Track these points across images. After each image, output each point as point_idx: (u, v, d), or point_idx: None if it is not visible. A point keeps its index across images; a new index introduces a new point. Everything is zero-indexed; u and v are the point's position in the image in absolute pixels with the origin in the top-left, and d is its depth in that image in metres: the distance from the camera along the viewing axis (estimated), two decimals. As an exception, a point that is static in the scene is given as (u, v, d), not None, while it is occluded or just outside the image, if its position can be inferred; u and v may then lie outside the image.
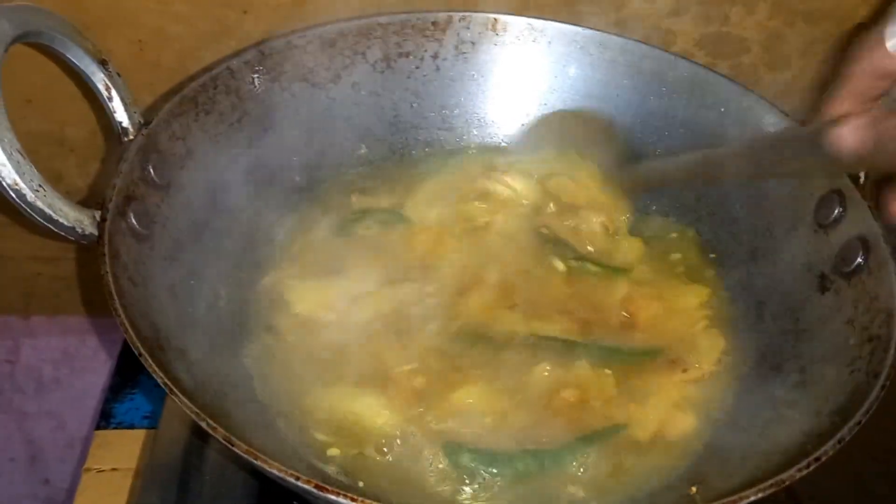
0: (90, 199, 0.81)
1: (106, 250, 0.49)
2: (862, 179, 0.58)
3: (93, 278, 0.95)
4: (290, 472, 0.39)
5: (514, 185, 0.71)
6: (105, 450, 0.83)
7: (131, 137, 0.57)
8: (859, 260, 0.55)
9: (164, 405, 0.67)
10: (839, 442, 0.42)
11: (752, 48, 0.86)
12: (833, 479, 0.59)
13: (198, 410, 0.41)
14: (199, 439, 0.64)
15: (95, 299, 0.98)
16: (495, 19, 0.72)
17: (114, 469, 0.82)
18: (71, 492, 1.02)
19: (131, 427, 0.85)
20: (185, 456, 0.63)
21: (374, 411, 0.56)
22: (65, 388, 1.03)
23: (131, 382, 0.90)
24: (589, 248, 0.68)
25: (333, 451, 0.54)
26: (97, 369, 1.02)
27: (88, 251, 0.88)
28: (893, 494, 0.63)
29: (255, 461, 0.40)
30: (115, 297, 0.46)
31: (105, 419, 0.85)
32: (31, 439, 1.07)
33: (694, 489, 0.51)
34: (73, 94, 0.79)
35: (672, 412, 0.57)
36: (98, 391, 1.01)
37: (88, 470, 0.81)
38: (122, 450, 0.83)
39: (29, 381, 1.02)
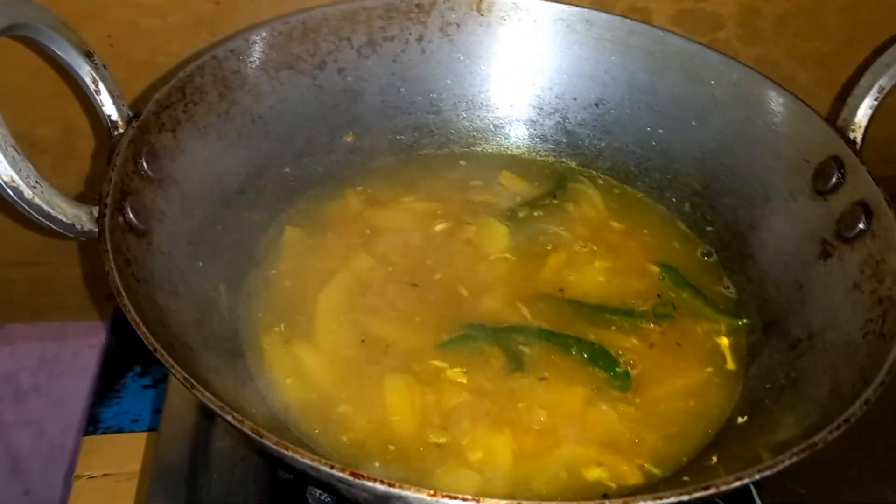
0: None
1: (108, 246, 0.48)
2: (859, 145, 0.59)
3: (71, 281, 0.92)
4: (325, 461, 0.38)
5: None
6: (94, 455, 0.82)
7: (121, 131, 0.55)
8: (861, 225, 0.55)
9: (164, 406, 0.65)
10: (866, 403, 0.43)
11: (727, 23, 0.86)
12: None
13: (223, 405, 0.40)
14: (205, 438, 0.63)
15: (74, 303, 0.95)
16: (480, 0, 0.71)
17: (105, 475, 0.80)
18: (54, 501, 1.00)
19: (120, 431, 0.84)
20: (191, 456, 0.61)
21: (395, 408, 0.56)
22: (44, 396, 1.01)
23: (117, 386, 0.88)
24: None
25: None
26: (76, 374, 1.00)
27: (65, 255, 0.87)
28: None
29: (285, 452, 0.39)
30: (123, 294, 0.45)
31: (92, 424, 0.84)
32: (11, 449, 1.04)
33: (715, 458, 0.52)
34: (44, 94, 0.77)
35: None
36: (78, 397, 0.99)
37: (79, 477, 0.80)
38: (113, 455, 0.82)
39: (7, 389, 0.99)
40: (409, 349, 0.59)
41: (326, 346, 0.59)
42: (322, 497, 0.58)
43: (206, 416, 0.63)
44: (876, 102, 0.59)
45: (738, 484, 0.39)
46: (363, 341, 0.59)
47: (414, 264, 0.65)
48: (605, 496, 0.50)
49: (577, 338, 0.60)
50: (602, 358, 0.59)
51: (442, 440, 0.54)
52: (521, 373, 0.58)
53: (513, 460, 0.53)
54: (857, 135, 0.59)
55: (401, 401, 0.56)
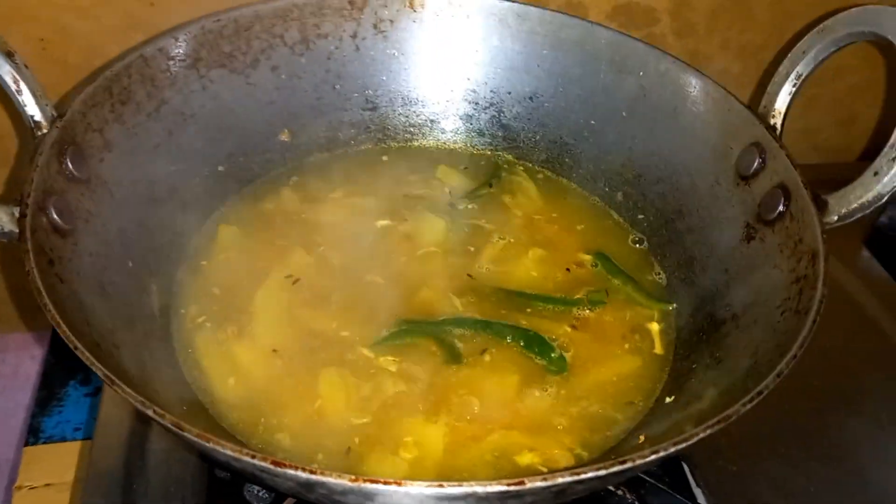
0: None
1: (29, 246, 0.47)
2: (779, 130, 0.60)
3: (9, 293, 0.91)
4: (245, 451, 0.38)
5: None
6: (36, 465, 0.80)
7: (45, 131, 0.55)
8: (781, 207, 0.57)
9: (99, 412, 0.65)
10: (778, 375, 0.44)
11: (662, 18, 0.88)
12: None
13: (143, 399, 0.40)
14: (140, 442, 0.62)
15: (12, 314, 0.94)
16: (413, -4, 0.72)
17: (47, 485, 0.79)
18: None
19: (63, 440, 0.83)
20: (126, 460, 0.61)
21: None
22: (-15, 409, 0.98)
23: (58, 395, 0.87)
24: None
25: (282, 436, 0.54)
26: (19, 387, 0.98)
27: (3, 264, 0.85)
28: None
29: (206, 444, 0.39)
30: (44, 294, 0.44)
31: (33, 435, 0.82)
32: (-48, 466, 1.01)
33: (642, 438, 0.53)
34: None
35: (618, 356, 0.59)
36: (21, 410, 0.97)
37: (20, 488, 0.79)
38: (55, 464, 0.81)
39: (-54, 404, 0.97)
40: (345, 344, 0.59)
41: (262, 342, 0.59)
42: (260, 494, 0.58)
43: (141, 416, 0.62)
44: (794, 89, 0.60)
45: (654, 457, 0.39)
46: (299, 337, 0.59)
47: (350, 260, 0.65)
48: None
49: (512, 325, 0.61)
50: (537, 344, 0.60)
51: (375, 431, 0.54)
52: (455, 364, 0.58)
53: (445, 448, 0.53)
54: (777, 121, 0.60)
55: (335, 393, 0.56)
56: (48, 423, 0.84)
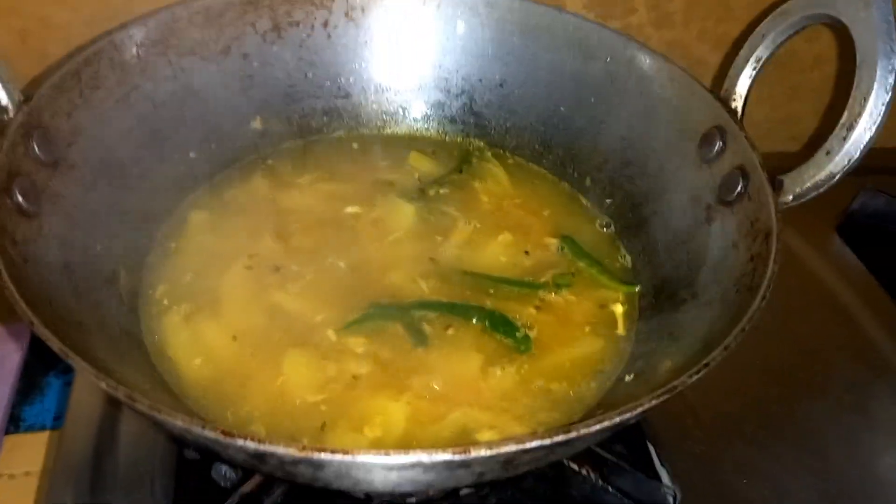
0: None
1: (-10, 226, 0.48)
2: (740, 113, 0.61)
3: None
4: (196, 421, 0.39)
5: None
6: (16, 454, 0.81)
7: (11, 115, 0.55)
8: (739, 188, 0.58)
9: (70, 397, 0.65)
10: (725, 349, 0.45)
11: (639, 8, 0.89)
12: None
13: (96, 372, 0.41)
14: (110, 424, 0.63)
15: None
16: (383, -17, 0.73)
17: (27, 473, 0.80)
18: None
19: (43, 429, 0.83)
20: (96, 444, 0.62)
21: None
22: (-31, 402, 0.98)
23: (39, 385, 0.87)
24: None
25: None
26: (3, 379, 0.98)
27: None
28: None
29: (157, 415, 0.39)
30: (3, 271, 0.45)
31: (14, 423, 0.83)
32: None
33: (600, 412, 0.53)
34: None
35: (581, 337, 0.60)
36: (3, 402, 0.97)
37: (0, 476, 0.79)
38: (35, 452, 0.81)
39: (-73, 396, 0.97)
40: (313, 326, 0.60)
41: (230, 325, 0.60)
42: (227, 474, 0.58)
43: (111, 401, 0.63)
44: (755, 72, 0.61)
45: (598, 427, 0.40)
46: (267, 320, 0.60)
47: (320, 245, 0.66)
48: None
49: (478, 307, 0.62)
50: (502, 324, 0.61)
51: (339, 410, 0.54)
52: (422, 346, 0.59)
53: (406, 426, 0.54)
54: (738, 104, 0.61)
55: (300, 374, 0.57)
56: (29, 412, 0.84)
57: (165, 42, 0.66)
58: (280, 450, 0.39)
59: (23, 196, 0.52)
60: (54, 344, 0.42)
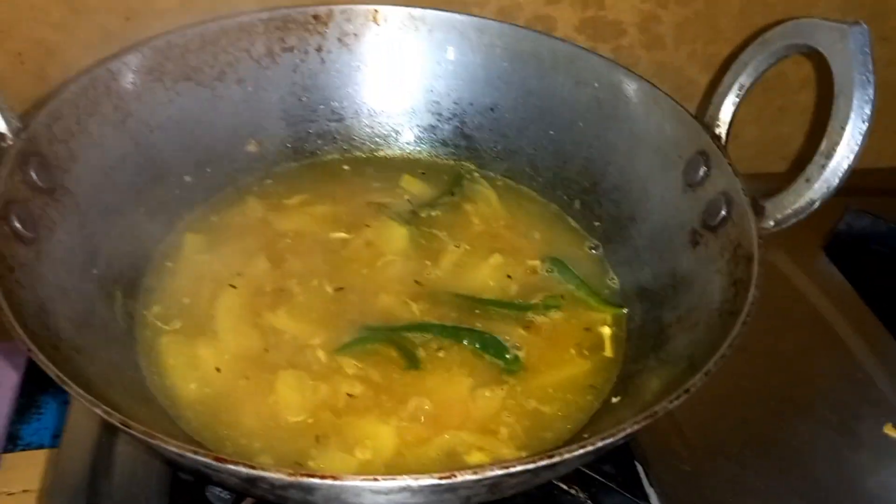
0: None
1: (-12, 253, 0.49)
2: (724, 139, 0.62)
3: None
4: (188, 447, 0.40)
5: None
6: (13, 472, 0.81)
7: (10, 143, 0.56)
8: (723, 213, 0.59)
9: (66, 418, 0.66)
10: (706, 374, 0.46)
11: (629, 30, 0.90)
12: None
13: (93, 399, 0.42)
14: (107, 446, 0.63)
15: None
16: (376, 10, 0.74)
17: (25, 491, 0.80)
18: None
19: (40, 447, 0.84)
20: (92, 465, 0.62)
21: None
22: (-34, 419, 0.99)
23: (37, 402, 0.88)
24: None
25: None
26: (2, 396, 0.99)
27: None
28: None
29: (151, 441, 0.40)
30: (2, 298, 0.46)
31: (11, 442, 0.84)
32: (-71, 477, 1.02)
33: (587, 436, 0.54)
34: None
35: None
36: (3, 419, 0.98)
37: (-2, 494, 0.80)
38: (33, 471, 0.82)
39: (-74, 414, 0.98)
40: (306, 348, 0.61)
41: (224, 347, 0.61)
42: (221, 495, 0.59)
43: (107, 422, 0.64)
44: (738, 99, 0.62)
45: (581, 451, 0.41)
46: (261, 342, 0.61)
47: (314, 267, 0.67)
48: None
49: (468, 328, 0.63)
50: (493, 346, 0.62)
51: (328, 431, 0.55)
52: (415, 369, 0.60)
53: (395, 447, 0.55)
54: (722, 130, 0.62)
55: (292, 395, 0.57)
56: (26, 431, 0.85)
57: (161, 68, 0.67)
58: (270, 474, 0.40)
59: (20, 222, 0.54)
60: (51, 371, 0.43)
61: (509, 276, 0.68)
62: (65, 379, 0.43)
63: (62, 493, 0.60)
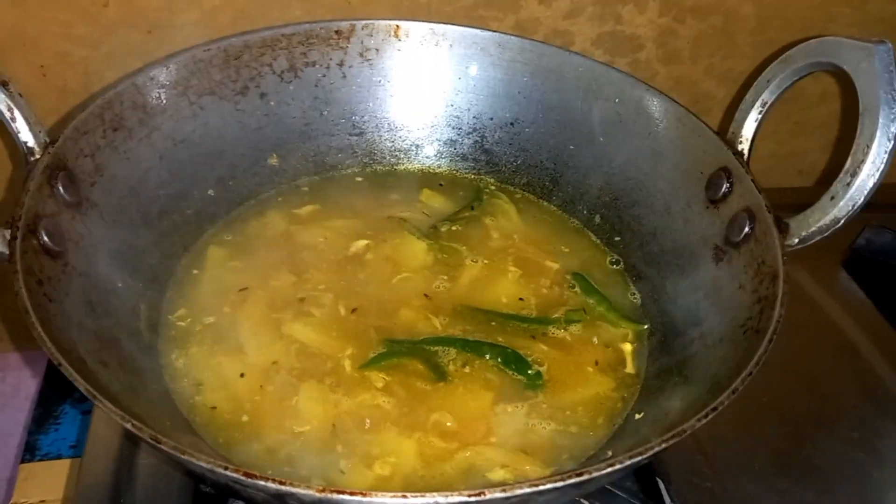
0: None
1: (18, 267, 0.49)
2: (746, 156, 0.62)
3: (8, 312, 0.93)
4: (219, 462, 0.40)
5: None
6: (31, 482, 0.82)
7: (37, 157, 0.57)
8: (747, 230, 0.59)
9: (89, 430, 0.66)
10: (733, 392, 0.46)
11: (647, 45, 0.91)
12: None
13: (122, 413, 0.42)
14: (129, 458, 0.64)
15: (13, 333, 0.96)
16: (397, 26, 0.75)
17: (42, 501, 0.81)
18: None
19: (58, 457, 0.84)
20: (115, 477, 0.63)
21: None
22: (-15, 428, 1.00)
23: (55, 413, 0.89)
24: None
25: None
26: (18, 406, 0.99)
27: (1, 285, 0.87)
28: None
29: (182, 456, 0.41)
30: (31, 313, 0.47)
31: (30, 452, 0.84)
32: (-50, 485, 1.02)
33: (610, 453, 0.54)
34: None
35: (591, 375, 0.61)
36: (21, 429, 0.98)
37: (16, 504, 0.80)
38: (50, 481, 0.82)
39: (-54, 423, 0.99)
40: (328, 360, 0.61)
41: (247, 360, 0.61)
42: (243, 508, 0.59)
43: (129, 434, 0.64)
44: (760, 116, 0.62)
45: (609, 470, 0.41)
46: (284, 355, 0.61)
47: (335, 279, 0.67)
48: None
49: (491, 343, 0.63)
50: (515, 361, 0.62)
51: (350, 446, 0.55)
52: (442, 382, 0.60)
53: (418, 463, 0.55)
54: (745, 146, 0.62)
55: (315, 407, 0.58)
56: (44, 441, 0.86)
57: (186, 83, 0.68)
58: (300, 490, 0.40)
59: (48, 236, 0.54)
60: (81, 385, 0.43)
61: (529, 291, 0.68)
62: (95, 394, 0.43)
63: (87, 501, 0.61)
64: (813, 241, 0.55)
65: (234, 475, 0.40)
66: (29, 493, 0.81)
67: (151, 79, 0.66)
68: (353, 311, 0.65)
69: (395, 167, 0.79)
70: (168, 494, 0.61)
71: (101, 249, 0.60)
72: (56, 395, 0.91)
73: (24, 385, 1.00)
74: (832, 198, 0.54)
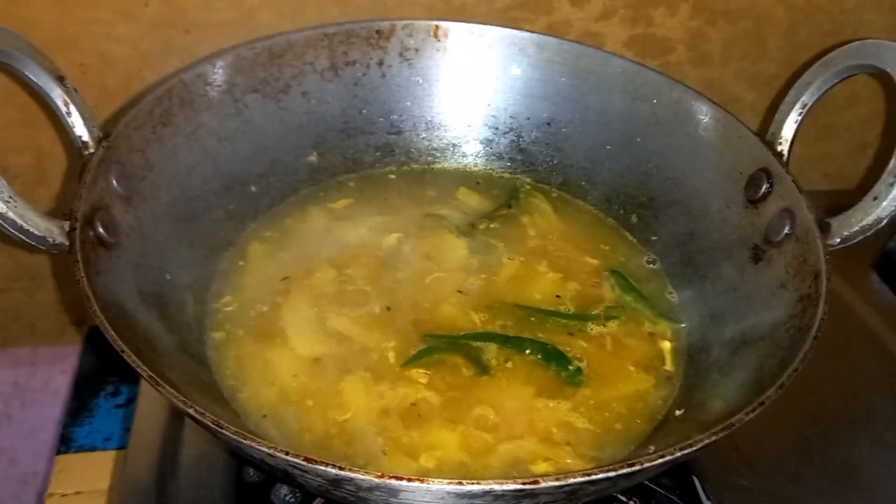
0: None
1: (79, 257, 0.50)
2: (785, 156, 0.63)
3: (42, 307, 0.94)
4: (280, 448, 0.41)
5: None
6: (67, 474, 0.83)
7: (92, 151, 0.58)
8: (787, 230, 0.60)
9: (133, 422, 0.68)
10: (780, 387, 0.46)
11: (677, 47, 0.91)
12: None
13: (185, 399, 0.43)
14: (173, 447, 0.65)
15: (45, 328, 0.97)
16: (437, 26, 0.76)
17: (77, 493, 0.82)
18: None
19: (93, 450, 0.86)
20: (159, 466, 0.64)
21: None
22: (16, 423, 1.01)
23: (90, 406, 0.90)
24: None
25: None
26: (48, 401, 1.01)
27: (36, 280, 0.89)
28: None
29: (244, 441, 0.42)
30: (93, 300, 0.48)
31: (65, 444, 0.86)
32: (-17, 477, 1.04)
33: (652, 449, 0.55)
34: (14, 121, 0.80)
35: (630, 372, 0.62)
36: (51, 423, 1.00)
37: (52, 495, 0.82)
38: (85, 473, 0.84)
39: (-21, 416, 1.00)
40: (371, 354, 0.62)
41: (291, 353, 0.62)
42: (286, 497, 0.60)
43: (173, 424, 0.65)
44: (800, 117, 0.63)
45: (660, 461, 0.42)
46: (328, 349, 0.62)
47: (375, 277, 0.68)
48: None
49: (531, 339, 0.63)
50: (555, 357, 0.62)
51: (395, 437, 0.56)
52: (485, 375, 0.61)
53: (461, 455, 0.56)
54: (784, 147, 0.63)
55: (359, 400, 0.59)
56: (79, 433, 0.87)
57: (231, 81, 0.69)
58: (359, 476, 0.41)
59: (104, 228, 0.55)
60: (144, 373, 0.44)
61: (566, 289, 0.69)
62: (158, 381, 0.44)
63: (131, 493, 0.62)
64: (854, 241, 0.56)
65: (295, 460, 0.41)
66: (65, 484, 0.83)
67: (199, 76, 0.67)
68: (391, 307, 0.66)
69: (432, 166, 0.80)
70: (211, 484, 0.63)
71: (150, 242, 0.61)
72: (90, 389, 0.92)
73: (55, 380, 1.02)
74: (875, 198, 0.54)
